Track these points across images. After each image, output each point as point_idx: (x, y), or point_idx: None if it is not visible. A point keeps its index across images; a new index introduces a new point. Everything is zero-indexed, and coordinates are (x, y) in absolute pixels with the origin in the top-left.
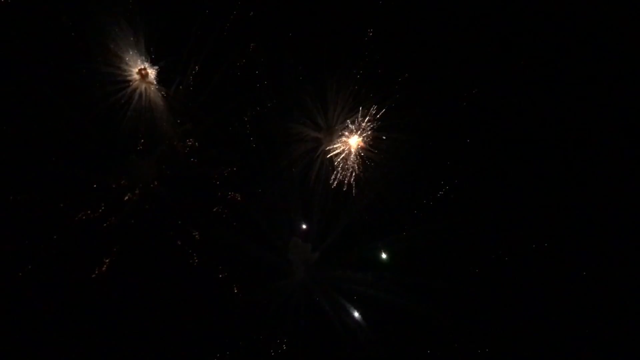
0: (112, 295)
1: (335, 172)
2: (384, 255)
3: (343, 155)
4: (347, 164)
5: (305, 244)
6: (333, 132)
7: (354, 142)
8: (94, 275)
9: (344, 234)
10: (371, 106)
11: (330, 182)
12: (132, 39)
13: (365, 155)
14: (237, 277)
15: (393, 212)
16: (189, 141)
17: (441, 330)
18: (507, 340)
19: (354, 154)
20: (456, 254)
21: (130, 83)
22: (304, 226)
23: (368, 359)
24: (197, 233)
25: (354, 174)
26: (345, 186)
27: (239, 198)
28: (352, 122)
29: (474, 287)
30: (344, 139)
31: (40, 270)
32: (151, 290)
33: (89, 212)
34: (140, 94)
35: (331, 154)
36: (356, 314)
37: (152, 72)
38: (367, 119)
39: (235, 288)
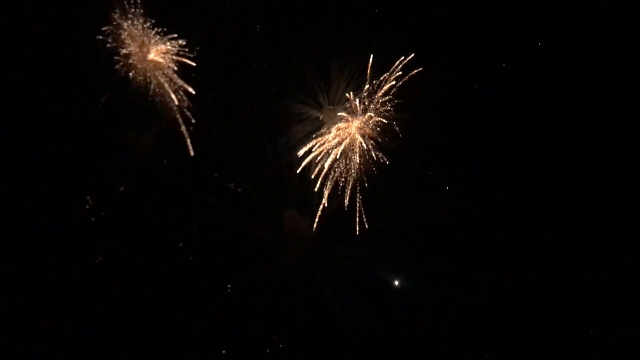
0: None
1: (334, 157)
2: (396, 283)
3: (344, 142)
4: (349, 153)
5: (303, 217)
6: (336, 111)
7: (356, 124)
8: (88, 272)
9: (345, 207)
10: (377, 84)
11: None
12: (131, 14)
13: (369, 138)
14: (227, 255)
15: (400, 186)
16: (188, 128)
17: (450, 313)
18: (519, 325)
19: (358, 139)
20: (469, 234)
21: (128, 60)
22: (301, 198)
23: (371, 345)
24: (194, 222)
25: (355, 165)
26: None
27: (235, 179)
28: (356, 100)
29: (484, 269)
30: (344, 123)
31: (30, 266)
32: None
33: (81, 203)
34: (139, 72)
35: (331, 140)
36: (358, 296)
37: (152, 50)
38: (371, 99)
39: (225, 271)
